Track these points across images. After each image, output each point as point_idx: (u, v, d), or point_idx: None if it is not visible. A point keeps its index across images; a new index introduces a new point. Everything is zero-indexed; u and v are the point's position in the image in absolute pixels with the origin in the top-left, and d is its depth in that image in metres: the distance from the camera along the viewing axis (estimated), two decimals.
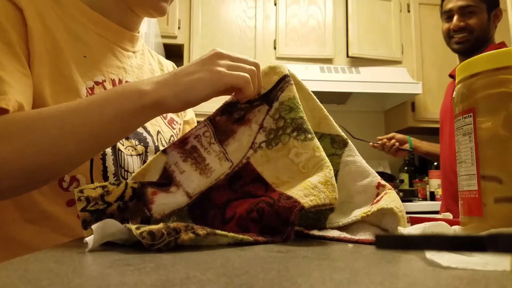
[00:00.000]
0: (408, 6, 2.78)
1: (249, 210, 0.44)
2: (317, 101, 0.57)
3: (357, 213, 0.47)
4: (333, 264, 0.28)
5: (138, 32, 0.76)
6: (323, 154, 0.48)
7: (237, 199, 0.49)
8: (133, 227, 0.35)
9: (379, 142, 1.82)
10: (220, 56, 0.51)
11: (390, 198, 0.47)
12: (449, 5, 1.63)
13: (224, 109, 0.53)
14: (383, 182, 0.51)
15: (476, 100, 0.42)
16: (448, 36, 1.66)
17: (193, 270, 0.25)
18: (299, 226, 0.48)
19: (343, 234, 0.44)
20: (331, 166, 0.47)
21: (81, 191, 0.43)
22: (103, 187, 0.44)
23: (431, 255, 0.28)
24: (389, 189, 0.50)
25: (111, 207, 0.44)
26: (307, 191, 0.43)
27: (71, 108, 0.50)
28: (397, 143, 1.77)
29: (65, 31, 0.62)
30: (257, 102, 0.53)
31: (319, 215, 0.49)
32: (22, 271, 0.25)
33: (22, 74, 0.54)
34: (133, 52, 0.74)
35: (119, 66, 0.69)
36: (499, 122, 0.40)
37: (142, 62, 0.76)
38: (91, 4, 0.67)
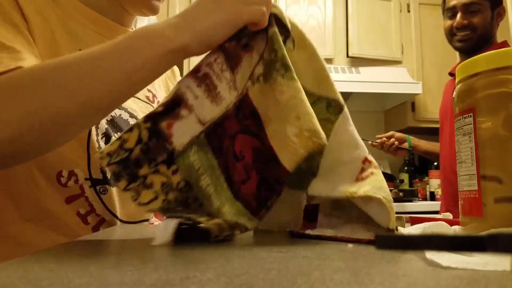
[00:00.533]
0: (408, 6, 2.78)
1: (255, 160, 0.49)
2: (321, 60, 0.54)
3: (342, 190, 0.46)
4: (333, 264, 0.28)
5: (132, 29, 0.77)
6: (304, 97, 0.47)
7: (240, 132, 0.50)
8: (202, 219, 0.39)
9: (378, 141, 1.81)
10: None
11: (377, 184, 0.46)
12: (453, 2, 1.60)
13: (233, 34, 0.50)
14: (370, 158, 0.50)
15: (476, 100, 0.42)
16: (451, 33, 1.63)
17: (193, 270, 0.25)
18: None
19: (340, 234, 0.44)
20: (311, 112, 0.46)
21: (101, 152, 0.44)
22: (119, 138, 0.44)
23: (431, 255, 0.28)
24: (375, 167, 0.49)
25: (134, 153, 0.44)
26: (289, 146, 0.45)
27: (95, 56, 0.48)
28: (396, 142, 1.76)
29: (64, 31, 0.63)
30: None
31: (301, 178, 0.49)
32: (22, 271, 0.25)
33: (32, 53, 0.55)
34: None
35: None
36: (499, 122, 0.40)
37: None
38: (87, 3, 0.68)
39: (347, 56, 2.69)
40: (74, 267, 0.26)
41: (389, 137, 1.79)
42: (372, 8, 2.73)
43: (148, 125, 0.45)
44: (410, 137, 1.82)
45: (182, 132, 0.46)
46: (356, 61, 2.69)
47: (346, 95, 2.74)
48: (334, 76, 2.55)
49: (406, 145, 1.78)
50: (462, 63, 0.46)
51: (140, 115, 0.71)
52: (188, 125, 0.46)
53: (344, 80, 2.54)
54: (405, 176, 2.74)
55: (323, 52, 2.66)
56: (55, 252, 0.33)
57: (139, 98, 0.74)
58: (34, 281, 0.22)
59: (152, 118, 0.45)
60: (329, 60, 2.67)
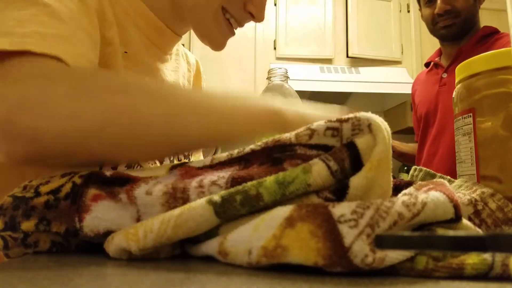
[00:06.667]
0: (408, 6, 2.78)
1: None
2: None
3: None
4: None
5: (181, 37, 0.72)
6: None
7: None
8: None
9: None
10: None
11: None
12: None
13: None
14: None
15: (476, 100, 0.42)
16: (432, 22, 1.48)
17: (193, 270, 0.25)
18: None
19: None
20: None
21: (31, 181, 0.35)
22: (53, 176, 0.35)
23: None
24: None
25: (38, 199, 0.33)
26: None
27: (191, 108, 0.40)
28: None
29: (117, 28, 0.58)
30: None
31: None
32: (22, 271, 0.25)
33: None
34: (170, 54, 0.71)
35: (158, 68, 0.66)
36: (499, 122, 0.40)
37: (177, 64, 0.73)
38: (150, 4, 0.63)
39: (347, 56, 2.70)
40: (74, 267, 0.26)
41: None
42: (372, 8, 2.74)
43: (79, 180, 0.33)
44: None
45: (102, 218, 0.32)
46: (356, 61, 2.69)
47: (346, 95, 2.74)
48: (334, 76, 2.56)
49: None
50: (462, 63, 0.46)
51: None
52: (119, 215, 0.32)
53: (344, 80, 2.54)
54: (404, 176, 2.74)
55: (323, 52, 2.66)
56: (55, 252, 0.33)
57: None
58: (34, 281, 0.22)
59: (89, 176, 0.34)
60: (329, 60, 2.68)
